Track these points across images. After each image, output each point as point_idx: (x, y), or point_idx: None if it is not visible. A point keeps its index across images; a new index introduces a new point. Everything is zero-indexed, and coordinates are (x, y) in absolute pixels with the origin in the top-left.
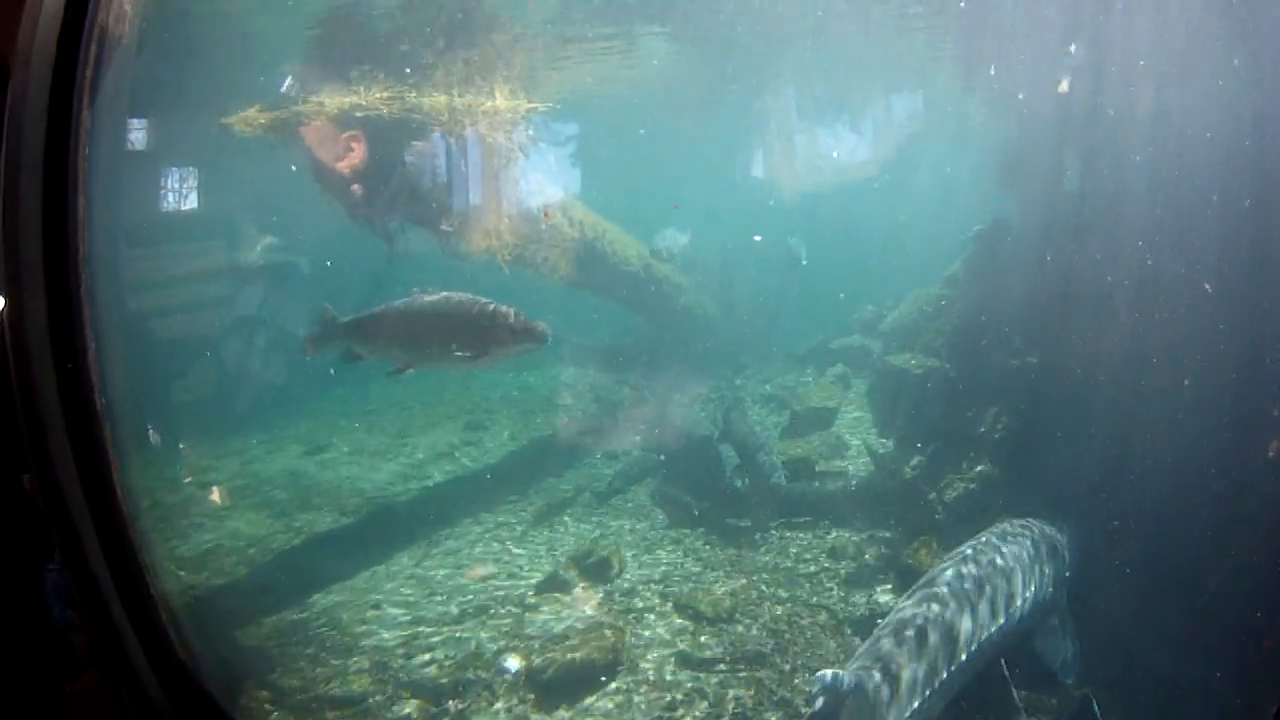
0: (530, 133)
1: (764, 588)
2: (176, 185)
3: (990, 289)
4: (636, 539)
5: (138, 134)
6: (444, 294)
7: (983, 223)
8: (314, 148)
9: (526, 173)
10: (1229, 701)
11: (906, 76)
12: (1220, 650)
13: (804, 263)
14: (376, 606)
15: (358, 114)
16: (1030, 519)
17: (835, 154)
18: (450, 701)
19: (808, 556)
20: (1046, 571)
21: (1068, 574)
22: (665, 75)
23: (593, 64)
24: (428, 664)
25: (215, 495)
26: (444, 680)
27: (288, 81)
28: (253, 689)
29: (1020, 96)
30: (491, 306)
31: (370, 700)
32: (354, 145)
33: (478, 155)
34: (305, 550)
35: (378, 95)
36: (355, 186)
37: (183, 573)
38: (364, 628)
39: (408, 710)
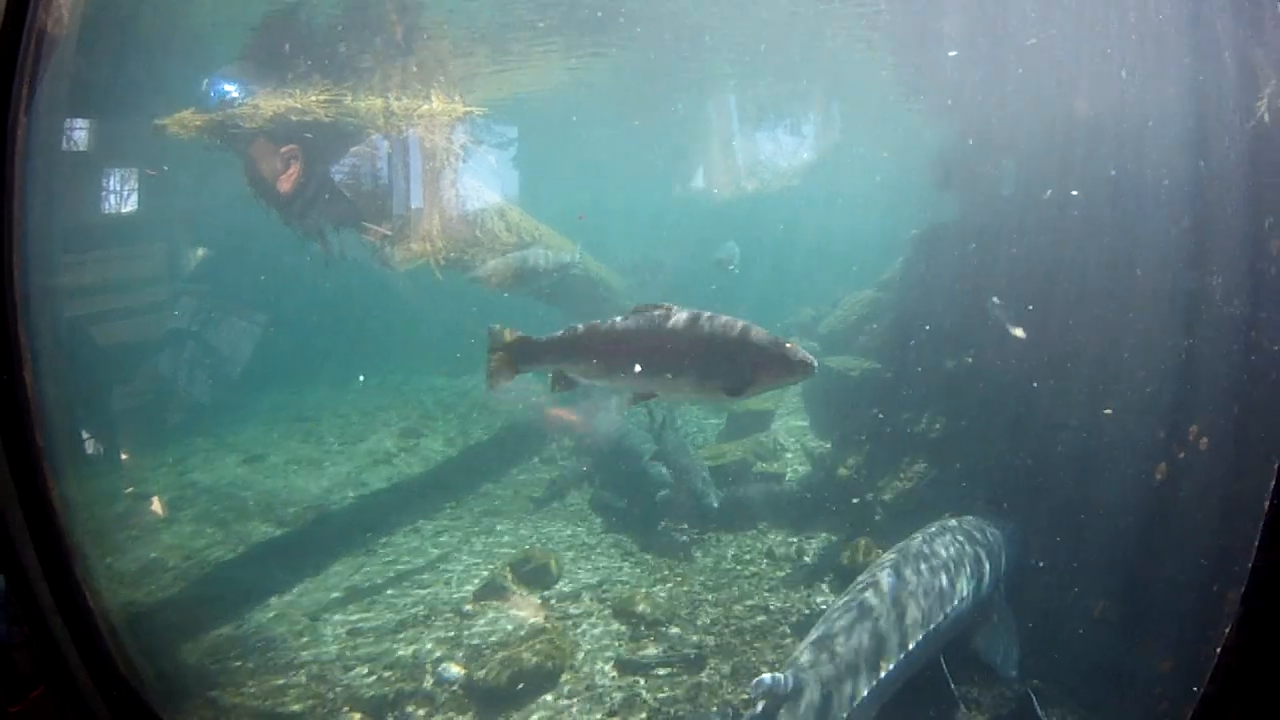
0: (467, 136)
1: (701, 590)
2: (115, 189)
3: (926, 292)
4: (574, 544)
5: (76, 137)
6: (691, 312)
7: (920, 227)
8: (248, 151)
9: (462, 177)
10: (1173, 690)
11: (845, 82)
12: (1161, 639)
13: (734, 269)
14: (315, 618)
15: (293, 118)
16: (967, 516)
17: (775, 158)
18: (391, 714)
19: (745, 558)
20: (984, 568)
21: (1006, 570)
22: (604, 80)
23: (531, 70)
24: (368, 675)
25: (154, 506)
26: (385, 692)
27: (225, 82)
28: (195, 706)
29: (954, 102)
30: (755, 330)
31: (312, 715)
32: (288, 150)
33: (413, 159)
34: (243, 562)
35: (314, 98)
36: (286, 187)
37: (123, 587)
38: (303, 640)
39: None
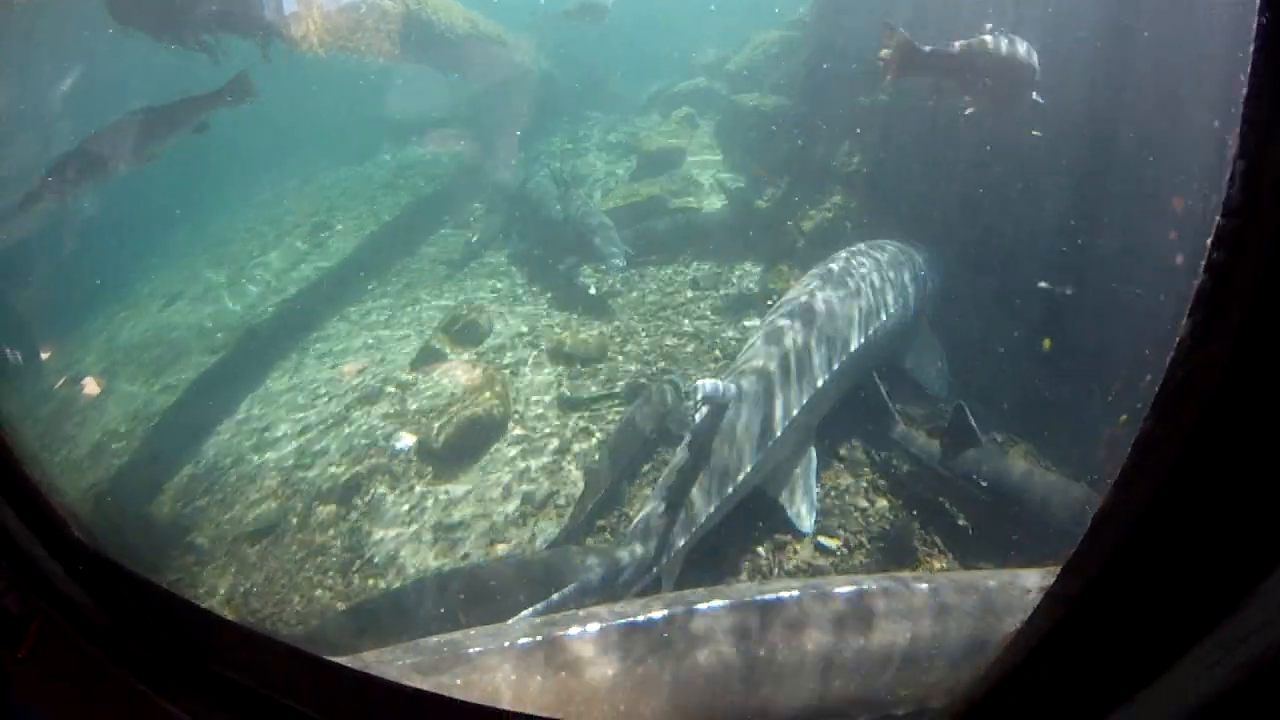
0: None
1: (632, 323)
2: None
3: (841, 32)
4: (500, 298)
5: None
6: (1009, 37)
7: None
8: None
9: None
10: (1091, 416)
11: None
12: (1081, 371)
13: (608, 9)
14: (265, 430)
15: None
16: (888, 240)
17: None
18: (357, 498)
19: (671, 289)
20: (908, 289)
21: (930, 292)
22: None
23: None
24: (328, 467)
25: (88, 387)
26: (347, 478)
27: None
28: (177, 559)
29: None
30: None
31: (284, 522)
32: None
33: None
34: (187, 402)
35: None
36: None
37: (81, 475)
38: (261, 454)
39: (321, 520)
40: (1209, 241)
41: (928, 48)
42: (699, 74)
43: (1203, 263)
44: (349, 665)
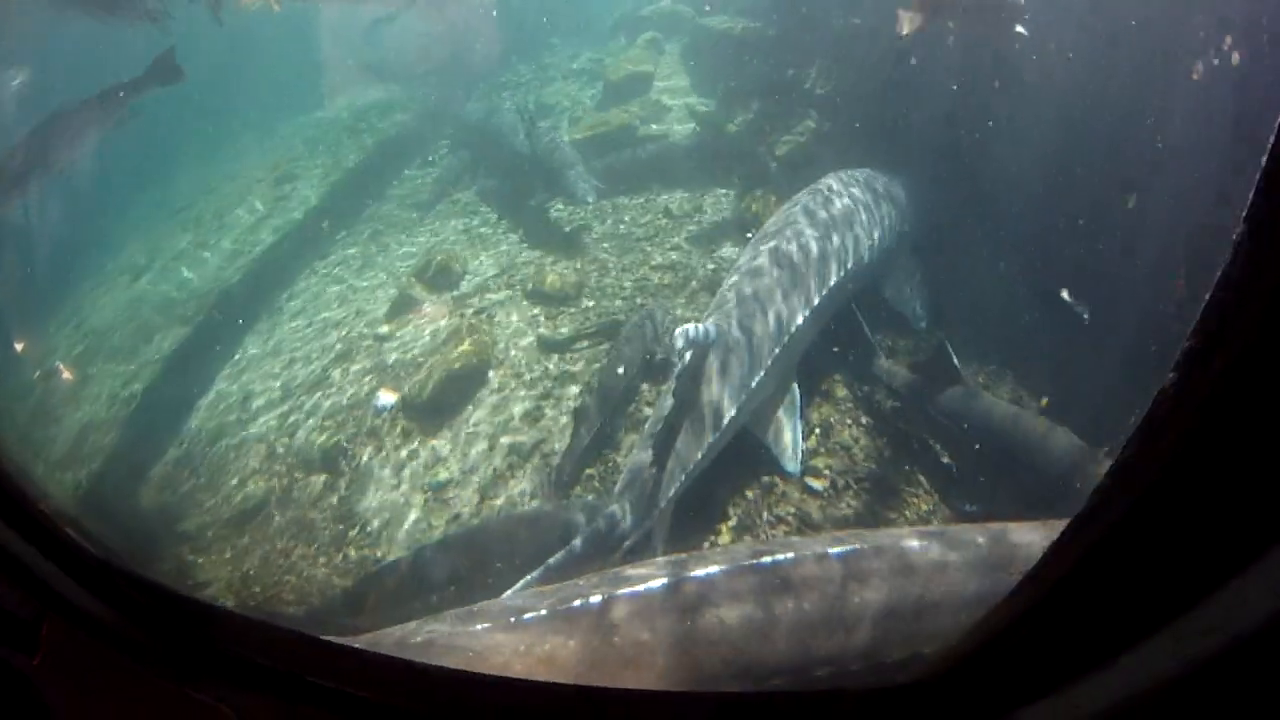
0: None
1: (607, 257)
2: None
3: None
4: (471, 238)
5: None
6: None
7: None
8: None
9: None
10: (1070, 346)
11: None
12: (1057, 301)
13: None
14: (245, 400)
15: None
16: (865, 169)
17: None
18: (343, 463)
19: (644, 220)
20: (886, 219)
21: (909, 222)
22: None
23: None
24: (311, 434)
25: (64, 375)
26: (330, 444)
27: None
28: (172, 548)
29: None
30: None
31: (272, 499)
32: None
33: None
34: (164, 379)
35: None
36: None
37: (66, 473)
38: (240, 428)
39: (310, 490)
40: (1203, 305)
41: None
42: None
43: (1194, 324)
44: (358, 646)
